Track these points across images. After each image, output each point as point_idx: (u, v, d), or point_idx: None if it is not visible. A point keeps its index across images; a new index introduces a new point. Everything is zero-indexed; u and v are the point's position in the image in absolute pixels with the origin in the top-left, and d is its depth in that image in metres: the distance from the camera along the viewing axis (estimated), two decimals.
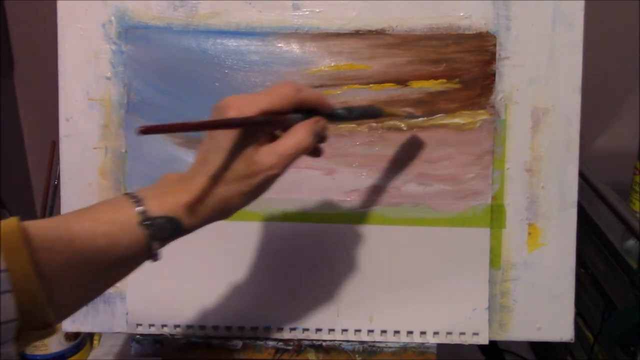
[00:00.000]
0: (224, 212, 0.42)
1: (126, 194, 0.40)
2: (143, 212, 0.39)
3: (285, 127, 0.42)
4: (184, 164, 0.57)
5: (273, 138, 0.42)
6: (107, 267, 0.38)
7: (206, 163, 0.41)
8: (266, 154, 0.41)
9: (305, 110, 0.42)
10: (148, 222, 0.39)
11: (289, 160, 0.42)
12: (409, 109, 0.56)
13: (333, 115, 0.44)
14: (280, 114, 0.41)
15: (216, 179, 0.40)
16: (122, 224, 0.38)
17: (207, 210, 0.41)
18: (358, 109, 0.47)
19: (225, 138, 0.40)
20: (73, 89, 0.58)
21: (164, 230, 0.40)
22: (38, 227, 0.35)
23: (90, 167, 0.58)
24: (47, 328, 0.35)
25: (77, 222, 0.37)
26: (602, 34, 0.80)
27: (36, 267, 0.33)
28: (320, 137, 0.43)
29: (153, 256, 0.40)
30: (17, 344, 0.34)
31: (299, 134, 0.42)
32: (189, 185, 0.41)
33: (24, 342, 0.35)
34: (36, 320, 0.34)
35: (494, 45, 0.56)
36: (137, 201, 0.39)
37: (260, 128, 0.41)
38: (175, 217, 0.40)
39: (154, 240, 0.39)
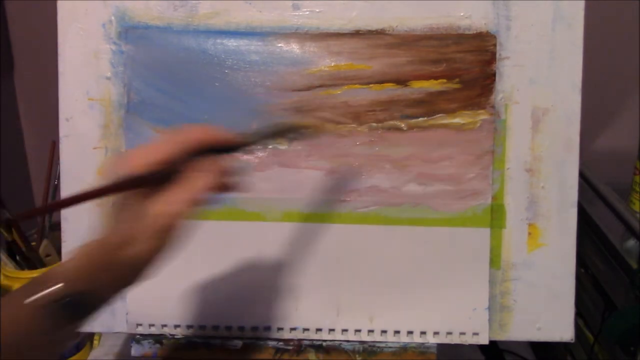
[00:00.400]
0: (133, 277, 0.39)
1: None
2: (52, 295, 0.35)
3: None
4: None
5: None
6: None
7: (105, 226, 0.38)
8: (159, 206, 0.38)
9: (208, 150, 0.39)
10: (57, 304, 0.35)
11: (191, 205, 0.39)
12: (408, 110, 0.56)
13: (234, 148, 0.41)
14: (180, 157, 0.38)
15: (115, 242, 0.37)
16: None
17: (110, 282, 0.38)
18: (261, 132, 0.44)
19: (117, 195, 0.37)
20: (73, 89, 0.58)
21: (72, 310, 0.36)
22: None
23: (90, 167, 0.58)
24: None
25: None
26: (602, 34, 0.79)
27: None
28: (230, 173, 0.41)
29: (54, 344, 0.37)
30: None
31: (202, 177, 0.39)
32: (85, 254, 0.37)
33: None
34: None
35: (494, 45, 0.56)
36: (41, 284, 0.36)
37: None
38: (82, 292, 0.36)
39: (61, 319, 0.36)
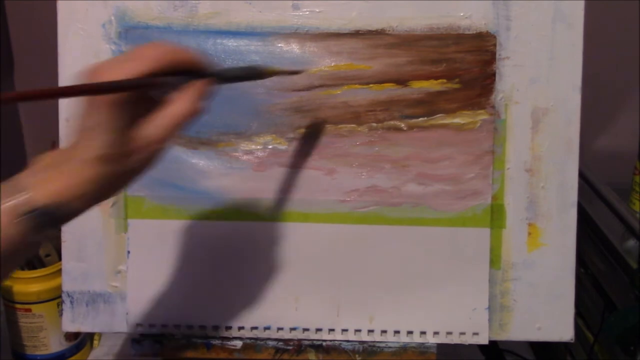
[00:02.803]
0: (109, 193, 0.39)
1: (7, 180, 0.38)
2: (27, 202, 0.36)
3: (163, 93, 0.39)
4: (185, 164, 0.57)
5: (151, 110, 0.39)
6: None
7: (82, 144, 0.38)
8: (148, 129, 0.38)
9: (182, 72, 0.39)
10: (29, 215, 0.36)
11: (173, 132, 0.39)
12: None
13: (215, 75, 0.41)
14: (152, 77, 0.37)
15: (96, 159, 0.37)
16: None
17: (89, 195, 0.38)
18: (236, 69, 0.45)
19: (100, 115, 0.37)
20: None
21: (44, 223, 0.37)
22: None
23: None
24: None
25: None
26: (602, 34, 0.79)
27: None
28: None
29: (34, 247, 0.39)
30: None
31: (179, 102, 0.38)
32: (67, 170, 0.37)
33: None
34: None
35: (494, 45, 0.56)
36: (18, 193, 0.36)
37: (134, 99, 0.37)
38: (55, 206, 0.37)
39: (36, 233, 0.37)
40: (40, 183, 0.37)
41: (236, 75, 0.45)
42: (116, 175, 0.38)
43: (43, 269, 0.66)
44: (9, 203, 0.36)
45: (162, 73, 0.38)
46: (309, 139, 0.56)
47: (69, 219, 0.38)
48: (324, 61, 0.56)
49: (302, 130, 0.55)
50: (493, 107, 0.56)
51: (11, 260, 0.37)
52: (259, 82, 0.56)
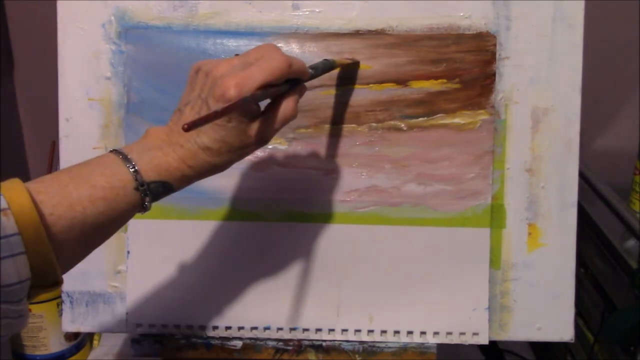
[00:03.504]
0: (211, 174, 0.44)
1: (116, 152, 0.41)
2: (138, 178, 0.40)
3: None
4: None
5: (257, 107, 0.43)
6: (105, 226, 0.40)
7: (200, 133, 0.41)
8: (261, 128, 0.42)
9: (289, 80, 0.43)
10: (143, 187, 0.40)
11: (278, 131, 0.44)
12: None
13: (307, 79, 0.46)
14: (274, 86, 0.41)
15: (209, 150, 0.42)
16: (119, 189, 0.39)
17: (195, 175, 0.43)
18: (319, 65, 0.49)
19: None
20: (73, 89, 0.58)
21: (157, 194, 0.42)
22: (38, 191, 0.36)
23: None
24: (54, 285, 0.37)
25: (75, 188, 0.38)
26: (602, 34, 0.79)
27: (46, 230, 0.35)
28: None
29: (144, 209, 0.42)
30: (28, 300, 0.36)
31: (289, 107, 0.43)
32: (181, 151, 0.42)
33: (33, 298, 0.37)
34: (46, 279, 0.36)
35: (494, 45, 0.56)
36: (132, 166, 0.40)
37: (254, 103, 0.42)
38: (168, 182, 0.42)
39: (148, 201, 0.41)
40: (151, 160, 0.41)
41: (319, 73, 0.48)
42: (214, 165, 0.43)
43: None
44: (130, 171, 0.40)
45: (280, 82, 0.42)
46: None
47: (167, 195, 0.43)
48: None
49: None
50: (493, 107, 0.56)
51: (120, 222, 0.41)
52: None
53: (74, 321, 0.59)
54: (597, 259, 0.68)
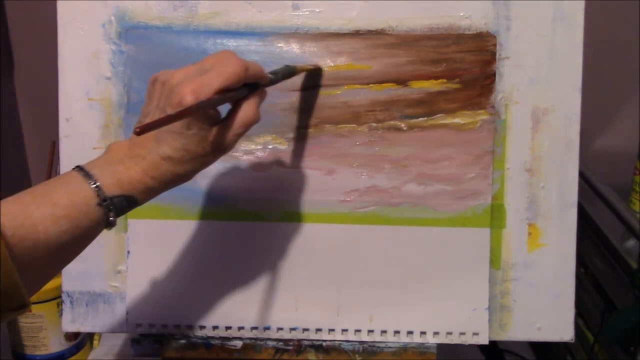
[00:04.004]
0: (176, 184, 0.44)
1: (78, 169, 0.41)
2: (100, 193, 0.40)
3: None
4: None
5: (217, 113, 0.43)
6: (69, 245, 0.40)
7: (160, 143, 0.41)
8: (222, 134, 0.42)
9: (248, 83, 0.43)
10: (106, 203, 0.40)
11: (241, 137, 0.43)
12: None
13: (267, 84, 0.46)
14: (231, 90, 0.42)
15: (172, 159, 0.42)
16: (81, 206, 0.39)
17: (160, 186, 0.43)
18: (280, 71, 0.49)
19: (180, 121, 0.40)
20: (73, 89, 0.58)
21: (121, 208, 0.41)
22: (0, 213, 0.36)
23: None
24: (21, 308, 0.37)
25: (37, 208, 0.38)
26: (602, 34, 0.79)
27: (10, 252, 0.35)
28: None
29: (109, 225, 0.42)
30: None
31: (249, 110, 0.43)
32: (143, 163, 0.42)
33: (1, 321, 0.37)
34: (13, 301, 0.36)
35: (494, 45, 0.56)
36: (93, 182, 0.40)
37: (211, 108, 0.42)
38: (132, 195, 0.41)
39: (112, 216, 0.41)
40: (112, 175, 0.41)
41: (280, 78, 0.48)
42: (178, 175, 0.43)
43: None
44: (92, 187, 0.40)
45: (237, 87, 0.42)
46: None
47: (131, 209, 0.42)
48: (324, 61, 0.56)
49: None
50: (493, 107, 0.56)
51: (85, 239, 0.41)
52: None
53: (74, 321, 0.59)
54: (597, 259, 0.68)
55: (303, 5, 0.56)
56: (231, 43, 0.56)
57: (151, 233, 0.58)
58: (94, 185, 0.40)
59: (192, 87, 0.40)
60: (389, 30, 0.56)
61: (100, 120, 0.58)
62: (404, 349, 0.58)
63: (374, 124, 0.56)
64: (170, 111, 0.40)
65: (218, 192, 0.57)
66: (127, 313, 0.58)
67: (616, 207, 0.68)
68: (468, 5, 0.56)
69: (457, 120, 0.56)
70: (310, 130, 0.56)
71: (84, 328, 0.60)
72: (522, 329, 0.58)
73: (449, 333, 0.57)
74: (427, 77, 0.56)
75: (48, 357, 0.69)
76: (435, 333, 0.57)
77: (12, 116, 0.92)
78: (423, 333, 0.57)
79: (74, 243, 0.40)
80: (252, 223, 0.57)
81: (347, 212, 0.57)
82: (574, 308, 0.57)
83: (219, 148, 0.43)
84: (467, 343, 0.57)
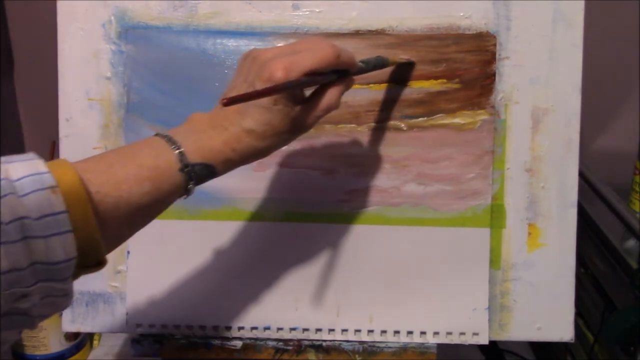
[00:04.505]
0: (254, 159, 0.44)
1: (162, 135, 0.41)
2: (183, 159, 0.40)
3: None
4: None
5: (302, 94, 0.44)
6: (149, 207, 0.40)
7: (245, 116, 0.42)
8: (304, 114, 0.43)
9: (338, 70, 0.44)
10: (188, 169, 0.40)
11: (320, 119, 0.44)
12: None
13: (356, 72, 0.46)
14: (321, 74, 0.42)
15: (254, 133, 0.42)
16: (164, 170, 0.40)
17: (239, 159, 0.43)
18: (372, 60, 0.49)
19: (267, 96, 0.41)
20: (73, 89, 0.58)
21: (201, 176, 0.42)
22: (85, 169, 0.36)
23: None
24: (98, 265, 0.37)
25: (121, 167, 0.38)
26: (602, 34, 0.79)
27: (93, 208, 0.35)
28: None
29: (188, 192, 0.42)
30: (72, 279, 0.36)
31: (333, 96, 0.44)
32: (225, 134, 0.42)
33: (76, 277, 0.37)
34: (91, 258, 0.36)
35: (494, 45, 0.56)
36: (177, 147, 0.40)
37: (300, 88, 0.43)
38: (212, 165, 0.42)
39: (192, 183, 0.41)
40: (195, 142, 0.41)
41: (370, 68, 0.49)
42: (258, 149, 0.43)
43: None
44: (175, 152, 0.40)
45: (327, 70, 0.43)
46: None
47: (215, 177, 0.43)
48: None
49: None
50: (493, 107, 0.56)
51: (164, 203, 0.42)
52: None
53: (74, 321, 0.59)
54: (597, 259, 0.68)
55: (303, 5, 0.56)
56: (231, 43, 0.56)
57: (151, 233, 0.57)
58: (178, 151, 0.40)
59: (284, 64, 0.40)
60: (389, 30, 0.56)
61: (100, 120, 0.58)
62: (404, 349, 0.58)
63: (374, 124, 0.56)
64: (259, 85, 0.40)
65: (218, 192, 0.57)
66: (127, 313, 0.58)
67: (616, 207, 0.68)
68: (468, 5, 0.56)
69: (457, 120, 0.56)
70: (310, 130, 0.56)
71: (84, 328, 0.60)
72: (522, 329, 0.58)
73: (449, 333, 0.57)
74: (427, 77, 0.56)
75: (48, 357, 0.69)
76: (435, 333, 0.57)
77: (12, 116, 0.92)
78: (423, 333, 0.57)
79: (153, 206, 0.40)
80: (252, 223, 0.57)
81: (347, 212, 0.57)
82: (574, 308, 0.57)
83: (299, 127, 0.43)
84: (467, 343, 0.57)
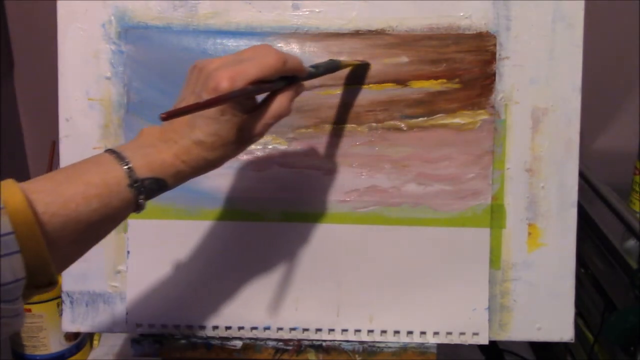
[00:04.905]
0: (206, 170, 0.44)
1: (110, 151, 0.41)
2: (132, 175, 0.40)
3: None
4: None
5: (252, 102, 0.44)
6: (99, 224, 0.40)
7: (193, 128, 0.42)
8: (253, 123, 0.43)
9: (285, 76, 0.44)
10: (137, 184, 0.41)
11: (271, 127, 0.44)
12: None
13: (306, 77, 0.46)
14: (267, 82, 0.42)
15: (203, 144, 0.42)
16: (113, 186, 0.40)
17: (190, 170, 0.43)
18: (323, 65, 0.49)
19: (215, 107, 0.41)
20: (73, 89, 0.58)
21: (151, 190, 0.42)
22: (32, 190, 0.36)
23: None
24: (49, 285, 0.37)
25: (69, 186, 0.38)
26: (602, 34, 0.79)
27: (41, 228, 0.35)
28: None
29: (139, 207, 0.42)
30: (23, 301, 0.36)
31: (282, 103, 0.43)
32: (175, 147, 0.42)
33: (28, 298, 0.37)
34: (41, 278, 0.36)
35: (494, 45, 0.56)
36: (125, 163, 0.41)
37: (246, 97, 0.42)
38: (162, 178, 0.42)
39: (142, 198, 0.41)
40: (144, 157, 0.41)
41: (321, 72, 0.49)
42: (209, 160, 0.43)
43: None
44: (123, 168, 0.40)
45: (274, 78, 0.42)
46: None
47: (161, 192, 0.43)
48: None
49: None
50: (493, 107, 0.56)
51: (115, 220, 0.42)
52: None
53: (74, 321, 0.59)
54: (597, 259, 0.68)
55: (303, 5, 0.56)
56: (231, 43, 0.56)
57: (151, 233, 0.58)
58: (126, 167, 0.40)
59: (229, 74, 0.40)
60: (389, 30, 0.56)
61: (100, 120, 0.58)
62: (404, 349, 0.58)
63: (374, 124, 0.56)
64: (206, 96, 0.40)
65: (218, 192, 0.57)
66: (127, 313, 0.58)
67: (616, 207, 0.68)
68: (468, 5, 0.56)
69: (457, 120, 0.56)
70: (310, 130, 0.56)
71: (84, 328, 0.60)
72: (522, 329, 0.58)
73: (449, 333, 0.57)
74: (427, 77, 0.56)
75: (48, 357, 0.69)
76: (435, 333, 0.57)
77: (12, 116, 0.92)
78: (423, 333, 0.57)
79: (103, 223, 0.40)
80: (252, 223, 0.57)
81: (347, 212, 0.57)
82: (574, 308, 0.57)
83: (249, 136, 0.43)
84: (467, 343, 0.57)
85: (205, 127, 0.42)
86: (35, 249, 0.35)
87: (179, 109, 0.37)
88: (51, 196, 0.37)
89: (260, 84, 0.41)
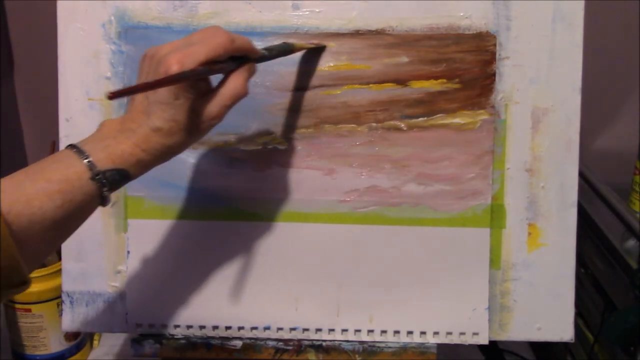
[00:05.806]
0: (168, 157, 0.44)
1: (71, 146, 0.42)
2: (92, 167, 0.41)
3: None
4: (184, 163, 0.57)
5: (207, 85, 0.44)
6: (65, 220, 0.40)
7: (150, 115, 0.42)
8: (209, 106, 0.43)
9: (237, 57, 0.44)
10: (99, 177, 0.41)
11: (229, 109, 0.44)
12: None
13: (259, 59, 0.47)
14: (217, 62, 0.42)
15: (161, 131, 0.42)
16: (74, 181, 0.40)
17: (152, 158, 0.43)
18: (276, 47, 0.50)
19: (168, 91, 0.41)
20: (73, 89, 0.58)
21: (114, 182, 0.42)
22: None
23: None
24: (22, 285, 0.38)
25: (31, 184, 0.39)
26: (602, 34, 0.80)
27: (8, 228, 0.36)
28: None
29: (104, 200, 0.42)
30: None
31: (237, 83, 0.43)
32: (134, 137, 0.42)
33: (2, 299, 0.37)
34: (13, 278, 0.37)
35: (494, 45, 0.56)
36: (85, 157, 0.41)
37: (199, 79, 0.42)
38: (124, 169, 0.42)
39: (106, 190, 0.42)
40: (104, 149, 0.42)
41: (274, 55, 0.49)
42: (168, 147, 0.43)
43: (43, 269, 0.66)
44: (84, 162, 0.41)
45: (224, 58, 0.43)
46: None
47: (129, 181, 0.43)
48: (323, 61, 0.56)
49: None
50: (493, 107, 0.56)
51: (81, 215, 0.42)
52: (259, 82, 0.56)
53: (74, 321, 0.59)
54: (597, 259, 0.68)
55: (303, 5, 0.56)
56: None
57: (151, 233, 0.58)
58: (86, 160, 0.41)
59: (178, 57, 0.40)
60: (389, 30, 0.56)
61: (100, 120, 0.58)
62: (404, 349, 0.58)
63: (374, 124, 0.56)
64: None
65: (218, 192, 0.57)
66: (127, 313, 0.58)
67: (616, 207, 0.68)
68: (468, 5, 0.56)
69: (457, 120, 0.56)
70: (310, 130, 0.56)
71: (84, 328, 0.60)
72: (522, 329, 0.58)
73: (449, 333, 0.57)
74: (427, 77, 0.56)
75: (48, 357, 0.69)
76: (435, 333, 0.57)
77: (12, 116, 0.92)
78: (423, 333, 0.57)
79: (69, 219, 0.40)
80: (252, 223, 0.57)
81: (347, 212, 0.57)
82: (574, 308, 0.57)
83: (207, 118, 0.43)
84: (467, 343, 0.57)
85: (161, 113, 0.42)
86: (4, 248, 0.35)
87: (126, 88, 0.37)
88: (13, 196, 0.37)
89: (210, 65, 0.41)
